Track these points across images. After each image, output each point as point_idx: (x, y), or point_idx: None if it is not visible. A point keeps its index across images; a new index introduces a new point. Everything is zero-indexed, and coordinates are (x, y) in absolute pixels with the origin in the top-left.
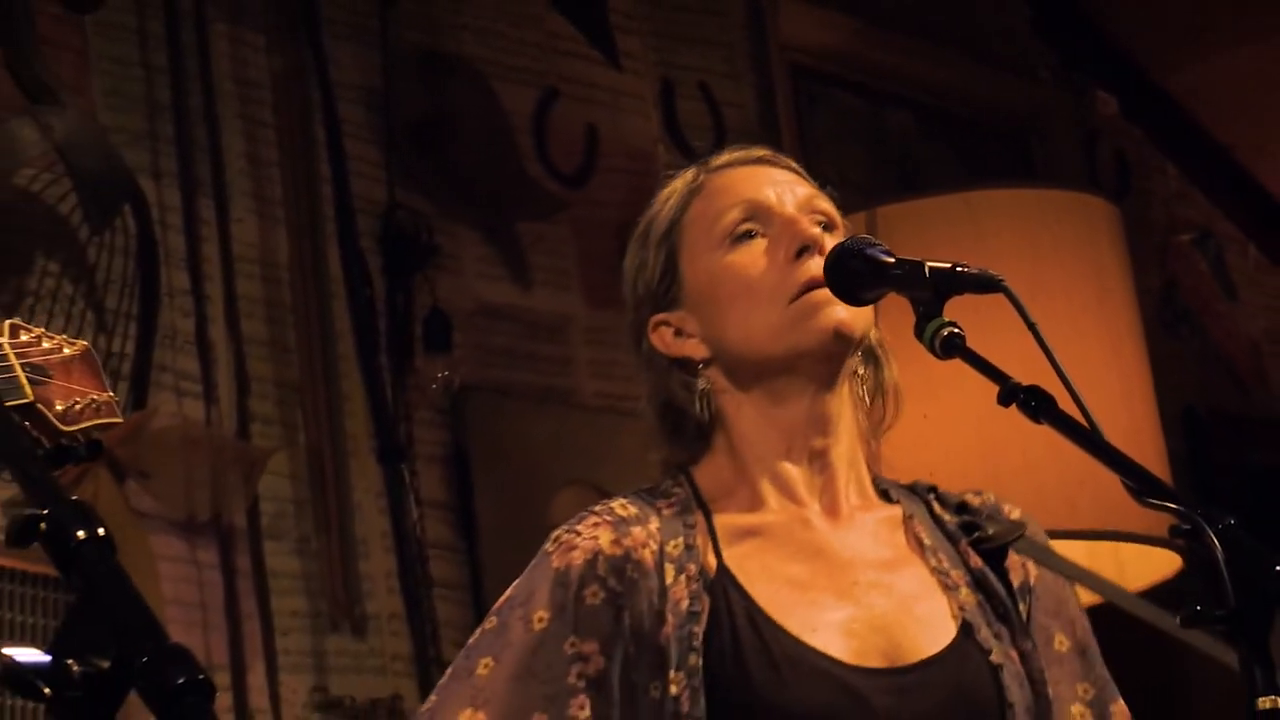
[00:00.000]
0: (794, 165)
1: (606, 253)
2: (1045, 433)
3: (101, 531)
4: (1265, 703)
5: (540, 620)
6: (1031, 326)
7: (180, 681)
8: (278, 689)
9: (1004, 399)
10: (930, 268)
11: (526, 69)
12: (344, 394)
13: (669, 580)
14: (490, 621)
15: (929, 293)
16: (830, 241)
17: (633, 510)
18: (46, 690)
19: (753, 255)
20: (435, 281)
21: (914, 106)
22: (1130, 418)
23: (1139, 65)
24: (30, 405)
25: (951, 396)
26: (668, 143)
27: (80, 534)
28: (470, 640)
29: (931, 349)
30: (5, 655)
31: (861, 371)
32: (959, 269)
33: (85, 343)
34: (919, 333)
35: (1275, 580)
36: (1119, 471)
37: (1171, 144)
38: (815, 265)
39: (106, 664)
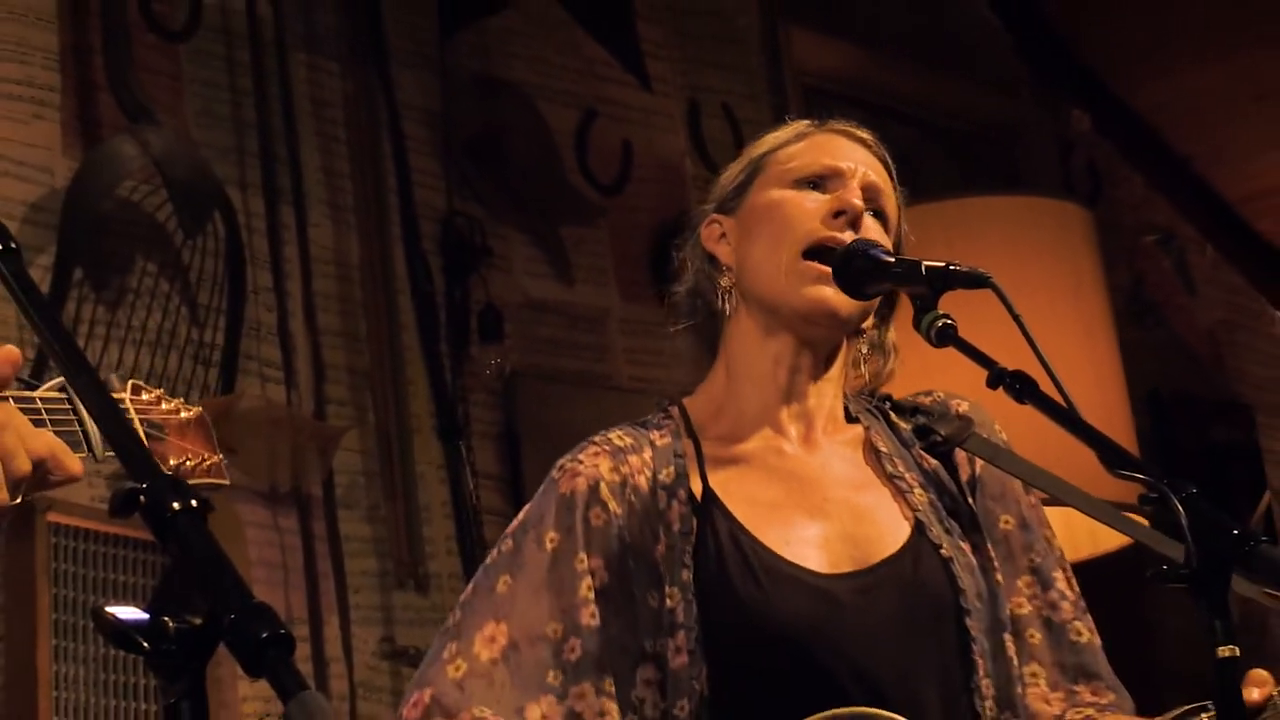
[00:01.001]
0: (887, 159)
1: (640, 253)
2: (1028, 412)
3: (194, 503)
4: (1224, 651)
5: (551, 540)
6: (1016, 318)
7: (264, 635)
8: (350, 640)
9: (991, 382)
10: (926, 266)
11: (569, 91)
12: (408, 379)
13: (662, 504)
14: (506, 544)
15: (925, 288)
16: (873, 226)
17: (628, 440)
18: (145, 644)
19: (805, 200)
20: (488, 279)
21: (912, 122)
22: (1102, 399)
23: (1109, 85)
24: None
25: (944, 381)
26: (694, 156)
27: (175, 505)
28: (487, 560)
29: (927, 338)
30: (109, 613)
31: (866, 326)
32: (951, 267)
33: (200, 409)
34: (916, 324)
35: (1232, 542)
36: (1093, 446)
37: (1138, 155)
38: (842, 231)
39: (199, 620)
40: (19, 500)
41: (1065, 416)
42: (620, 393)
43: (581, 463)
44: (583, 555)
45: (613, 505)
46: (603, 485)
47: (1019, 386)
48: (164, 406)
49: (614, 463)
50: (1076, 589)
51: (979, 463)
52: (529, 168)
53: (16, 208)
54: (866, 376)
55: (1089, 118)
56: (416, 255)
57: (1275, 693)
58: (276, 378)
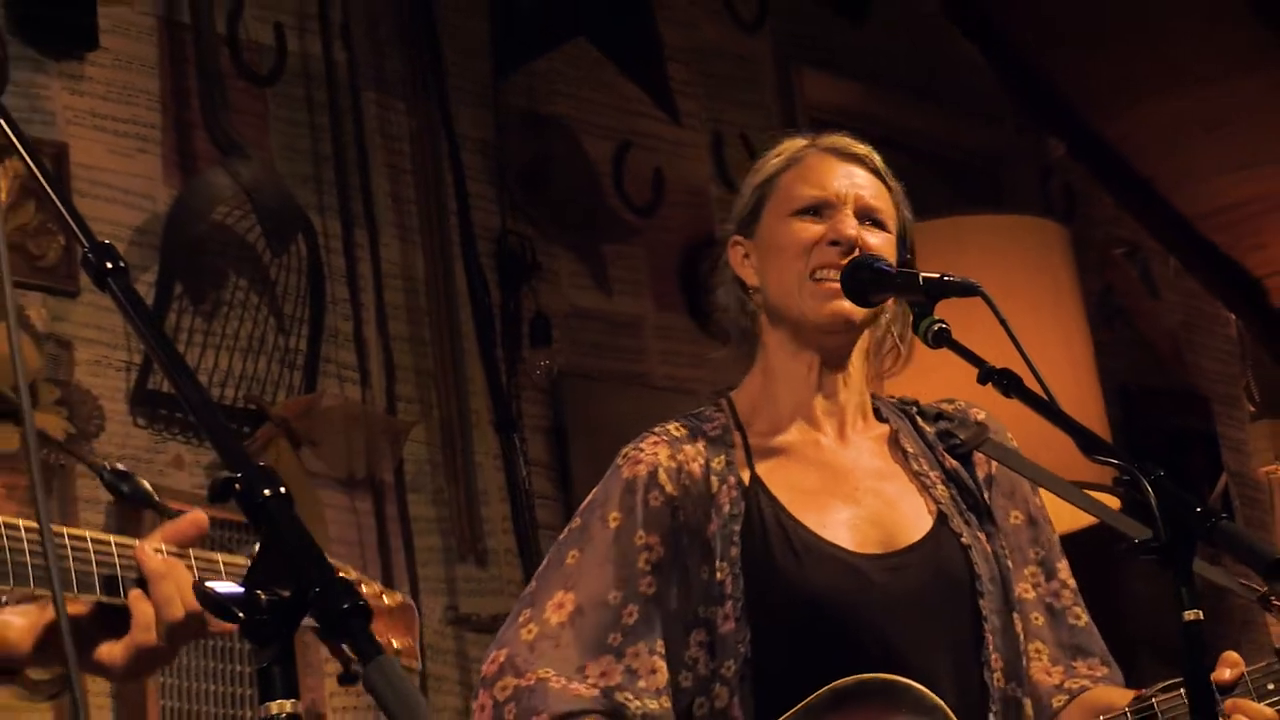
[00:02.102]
0: (878, 167)
1: (671, 267)
2: (1014, 404)
3: (282, 490)
4: (1190, 615)
5: (614, 520)
6: (1003, 322)
7: (345, 606)
8: (419, 608)
9: (982, 379)
10: (923, 277)
11: (607, 125)
12: (468, 378)
13: (714, 489)
14: (575, 522)
15: (922, 296)
16: (874, 237)
17: (684, 432)
18: (240, 614)
19: (805, 229)
20: (538, 290)
21: (907, 150)
22: (1078, 392)
23: (1082, 117)
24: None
25: (940, 379)
26: (717, 181)
27: (266, 492)
28: (560, 538)
29: (924, 340)
30: (208, 587)
31: (881, 323)
32: (945, 278)
33: (403, 598)
34: (915, 328)
35: (1195, 519)
36: (1072, 434)
37: (1107, 178)
38: (840, 259)
39: (287, 593)
40: (175, 646)
41: (1047, 408)
42: (654, 390)
43: (643, 451)
44: (641, 533)
45: (669, 489)
46: (661, 471)
47: (1006, 383)
48: (363, 589)
49: (671, 451)
50: (1074, 580)
51: (994, 464)
52: (572, 192)
53: (124, 231)
54: (887, 363)
55: (1064, 145)
56: (475, 270)
57: (1245, 672)
58: (353, 378)
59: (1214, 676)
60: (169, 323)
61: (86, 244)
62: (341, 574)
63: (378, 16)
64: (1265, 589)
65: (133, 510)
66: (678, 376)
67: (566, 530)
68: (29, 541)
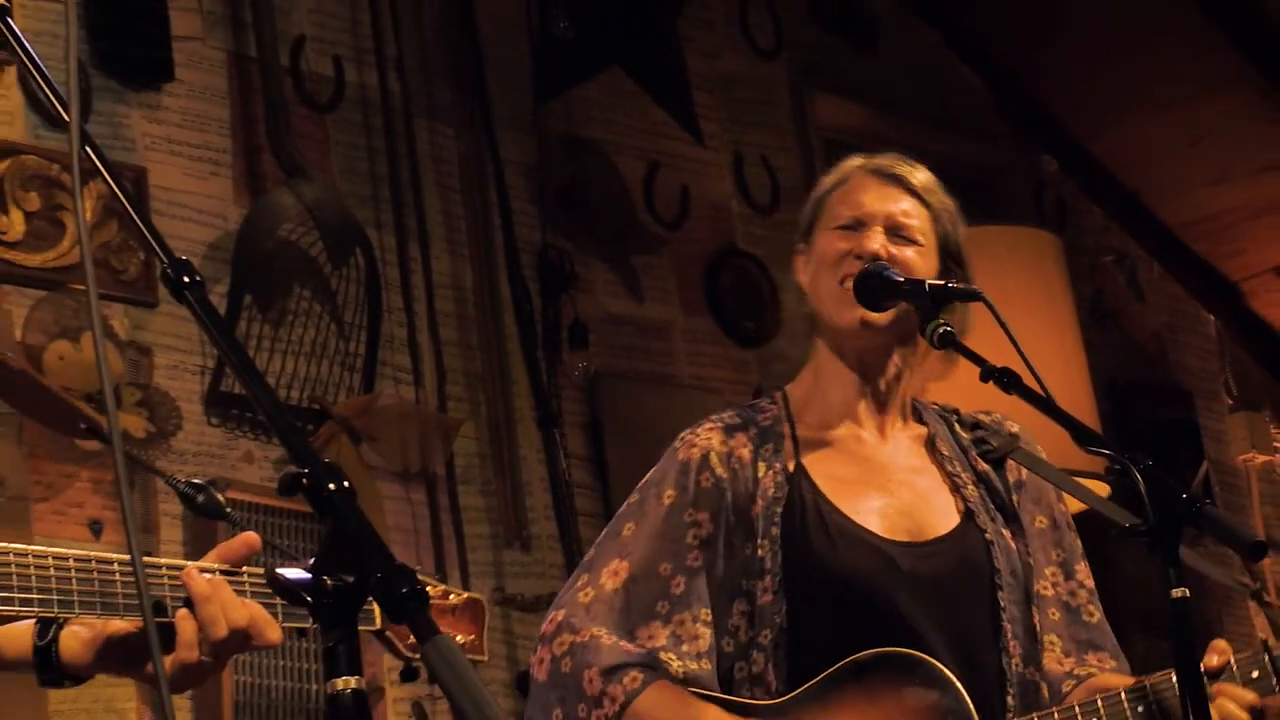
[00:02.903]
0: (916, 189)
1: (696, 276)
2: (1013, 400)
3: (346, 483)
4: (1177, 593)
5: (669, 497)
6: (1002, 324)
7: (404, 590)
8: (469, 589)
9: (984, 377)
10: (929, 284)
11: (638, 147)
12: (513, 379)
13: (760, 473)
14: (634, 498)
15: (928, 302)
16: (905, 251)
17: (738, 420)
18: (308, 598)
19: (839, 243)
20: (576, 299)
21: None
22: (1071, 388)
23: (1072, 134)
24: (379, 632)
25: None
26: (738, 198)
27: (331, 485)
28: (619, 511)
29: (930, 341)
30: (279, 573)
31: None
32: (949, 284)
33: (470, 595)
34: (921, 330)
35: (1182, 505)
36: (1067, 427)
37: (1096, 191)
38: (858, 267)
39: (351, 578)
40: (221, 661)
41: (1044, 403)
42: (682, 389)
43: (698, 436)
44: (692, 510)
45: (719, 471)
46: (713, 455)
47: (1005, 380)
48: (428, 590)
49: (724, 437)
50: (1091, 580)
51: (1024, 471)
52: (607, 209)
53: (198, 247)
54: (938, 369)
55: (1056, 162)
56: (518, 280)
57: (1232, 659)
58: (407, 380)
59: (1203, 663)
60: (239, 330)
61: (165, 260)
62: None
63: (429, 50)
64: (1257, 585)
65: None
66: (703, 376)
67: (625, 504)
68: (100, 574)
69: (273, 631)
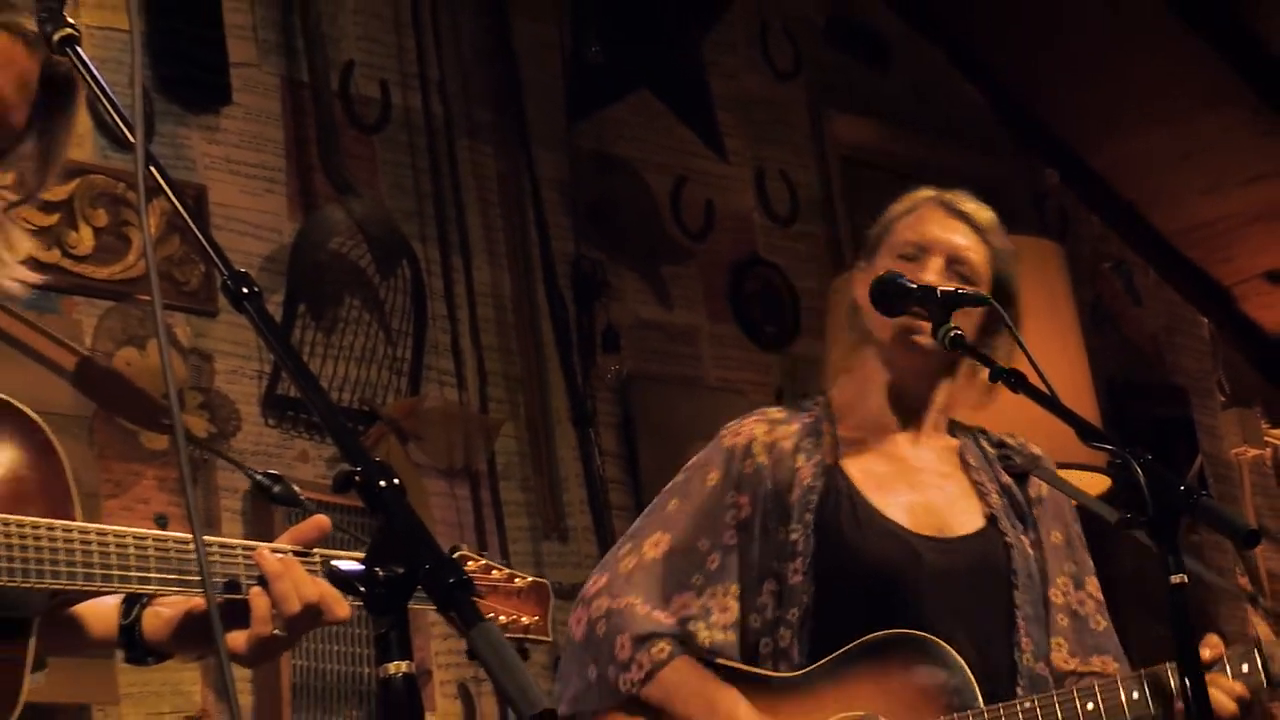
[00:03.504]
0: (981, 226)
1: (721, 284)
2: (1020, 399)
3: (396, 480)
4: (1176, 579)
5: (712, 479)
6: (1010, 328)
7: (451, 580)
8: None
9: (993, 377)
10: (940, 290)
11: (665, 163)
12: (550, 382)
13: (799, 463)
14: (681, 477)
15: (939, 308)
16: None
17: (783, 415)
18: (361, 588)
19: (902, 268)
20: (608, 306)
21: (920, 180)
22: (1074, 387)
23: (1072, 148)
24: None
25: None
26: (760, 210)
27: (382, 483)
28: (666, 487)
29: (942, 344)
30: (334, 565)
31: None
32: (959, 291)
33: (534, 579)
34: (934, 334)
35: (1179, 496)
36: (1070, 423)
37: (1095, 201)
38: None
39: (401, 570)
40: (293, 636)
41: (1049, 402)
42: (709, 390)
43: (744, 425)
44: (734, 493)
45: (761, 458)
46: (756, 443)
47: (1013, 380)
48: (493, 574)
49: (768, 428)
50: (1100, 594)
51: (1044, 489)
52: (636, 222)
53: (255, 260)
54: (975, 399)
55: (1057, 174)
56: (554, 289)
57: (1225, 653)
58: (451, 383)
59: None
60: (294, 337)
61: (225, 272)
62: (473, 560)
63: (469, 74)
64: (1253, 589)
65: (269, 503)
66: (728, 378)
67: (673, 483)
68: (176, 552)
69: (341, 608)
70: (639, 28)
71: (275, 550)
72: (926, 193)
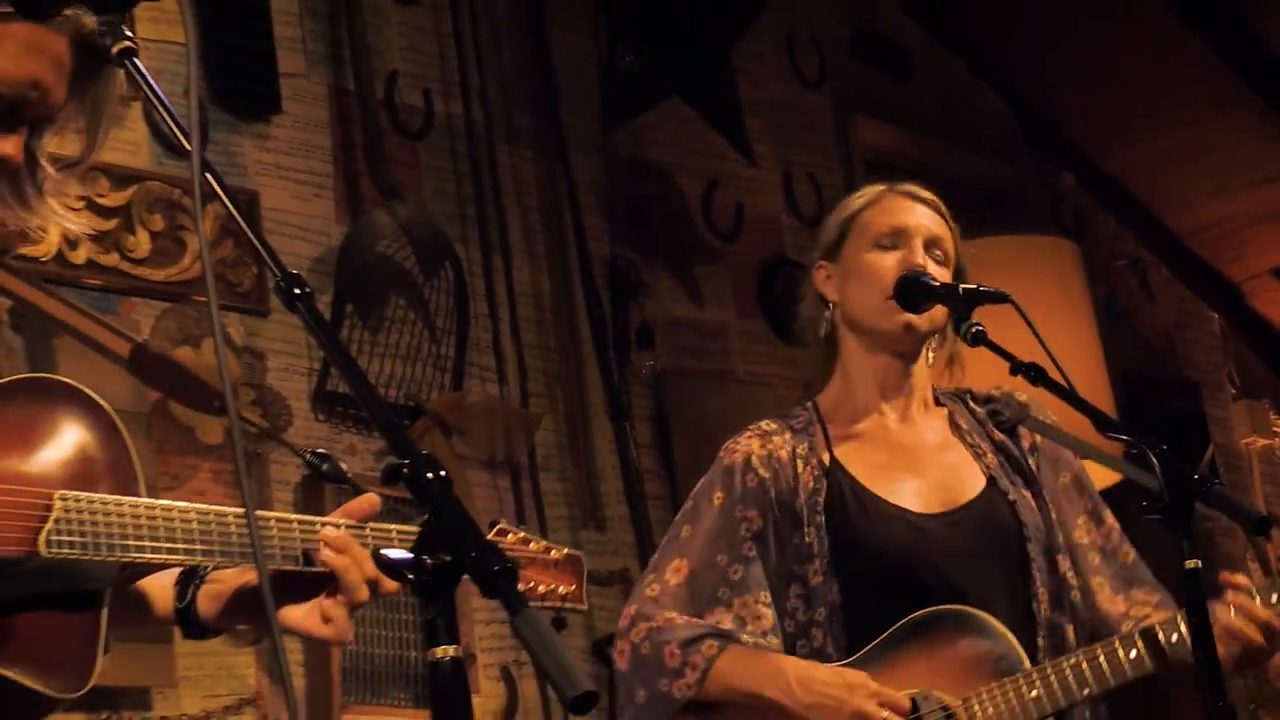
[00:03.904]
0: (943, 211)
1: (750, 283)
2: (1039, 391)
3: (443, 472)
4: (1190, 563)
5: (718, 499)
6: (1029, 323)
7: (495, 567)
8: None
9: (1013, 371)
10: (962, 288)
11: (697, 168)
12: (587, 378)
13: (799, 469)
14: (689, 504)
15: (961, 304)
16: (937, 269)
17: (774, 427)
18: (410, 576)
19: (883, 259)
20: (643, 304)
21: (941, 183)
22: (1090, 381)
23: (1087, 153)
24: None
25: (979, 371)
26: (788, 213)
27: (429, 475)
28: (676, 517)
29: (964, 340)
30: (383, 553)
31: (940, 339)
32: (980, 288)
33: (568, 551)
34: (955, 329)
35: (1193, 485)
36: (1088, 415)
37: (1110, 203)
38: None
39: (448, 558)
40: (354, 610)
41: (1067, 394)
42: (738, 384)
43: (739, 443)
44: (741, 507)
45: (761, 471)
46: (753, 458)
47: (1033, 373)
48: (531, 546)
49: (762, 442)
50: (1117, 523)
51: (1036, 436)
52: (669, 224)
53: (304, 262)
54: (949, 374)
55: (1073, 177)
56: (590, 289)
57: (1250, 584)
58: (492, 379)
59: (1222, 578)
60: (343, 336)
61: (278, 273)
62: (513, 533)
63: (508, 82)
64: (1267, 576)
65: (317, 489)
66: (757, 372)
67: (681, 512)
68: (236, 526)
69: (390, 583)
70: (671, 38)
71: (328, 524)
72: (879, 186)
